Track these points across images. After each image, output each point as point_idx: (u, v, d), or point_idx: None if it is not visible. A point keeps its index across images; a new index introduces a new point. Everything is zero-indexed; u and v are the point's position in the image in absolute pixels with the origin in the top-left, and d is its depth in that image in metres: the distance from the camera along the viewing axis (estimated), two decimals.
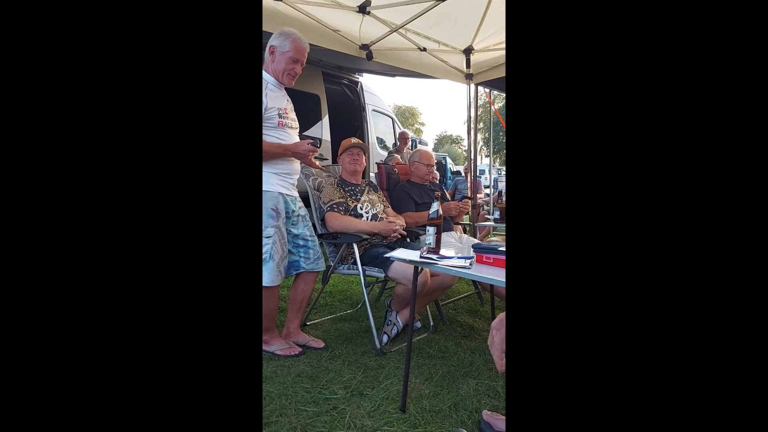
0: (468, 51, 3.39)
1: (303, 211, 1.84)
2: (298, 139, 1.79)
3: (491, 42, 3.23)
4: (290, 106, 1.80)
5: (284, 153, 1.69)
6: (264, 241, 1.66)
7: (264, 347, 1.77)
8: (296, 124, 1.82)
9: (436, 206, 1.45)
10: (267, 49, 1.71)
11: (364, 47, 3.05)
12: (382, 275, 1.89)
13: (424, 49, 3.22)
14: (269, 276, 1.68)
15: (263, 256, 1.67)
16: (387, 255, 1.56)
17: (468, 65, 3.53)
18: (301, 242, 1.82)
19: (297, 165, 1.80)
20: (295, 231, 1.80)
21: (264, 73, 1.72)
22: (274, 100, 1.69)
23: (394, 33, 2.94)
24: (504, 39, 2.56)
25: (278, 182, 1.71)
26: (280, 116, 1.69)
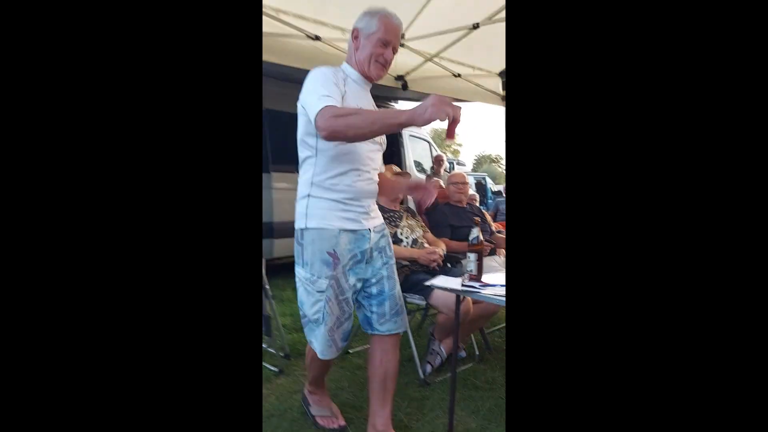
0: (504, 73, 3.39)
1: (384, 242, 1.31)
2: (380, 157, 1.31)
3: None
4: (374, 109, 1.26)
5: (408, 121, 0.99)
6: (316, 297, 1.20)
7: (306, 403, 1.53)
8: (382, 138, 1.30)
9: (476, 232, 1.43)
10: (351, 34, 1.24)
11: (399, 78, 3.13)
12: (424, 303, 1.87)
13: (459, 75, 3.25)
14: (319, 345, 1.23)
15: (315, 317, 1.22)
16: (427, 282, 1.55)
17: (504, 87, 3.53)
18: (374, 289, 1.28)
19: (369, 186, 1.24)
20: (367, 274, 1.26)
21: (345, 65, 1.26)
22: (354, 99, 1.18)
23: (429, 62, 3.00)
24: None
25: (339, 214, 1.18)
26: None
